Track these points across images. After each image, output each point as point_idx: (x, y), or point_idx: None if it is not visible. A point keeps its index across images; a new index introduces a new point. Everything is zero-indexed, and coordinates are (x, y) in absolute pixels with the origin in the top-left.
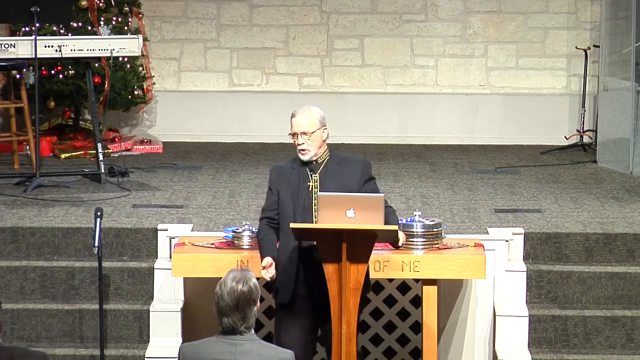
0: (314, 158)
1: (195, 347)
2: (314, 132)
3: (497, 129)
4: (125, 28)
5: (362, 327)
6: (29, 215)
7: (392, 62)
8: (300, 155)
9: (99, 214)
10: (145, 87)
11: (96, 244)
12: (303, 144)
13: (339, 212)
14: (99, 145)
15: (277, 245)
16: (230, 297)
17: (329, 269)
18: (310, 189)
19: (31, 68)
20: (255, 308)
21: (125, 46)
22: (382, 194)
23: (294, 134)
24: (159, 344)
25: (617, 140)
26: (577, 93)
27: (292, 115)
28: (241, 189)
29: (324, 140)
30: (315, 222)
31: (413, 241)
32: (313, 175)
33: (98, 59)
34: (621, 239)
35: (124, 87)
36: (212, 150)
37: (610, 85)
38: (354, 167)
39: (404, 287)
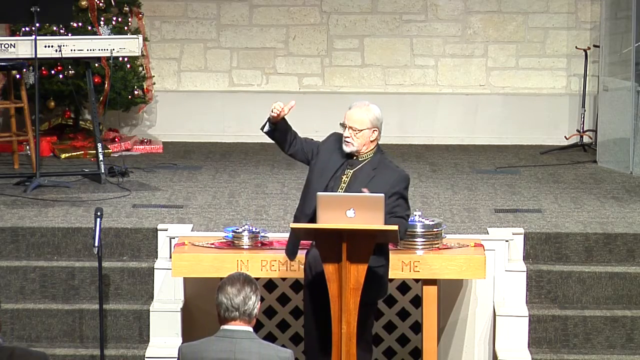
0: (356, 154)
1: (195, 347)
2: (361, 130)
3: (497, 129)
4: (125, 28)
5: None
6: (29, 215)
7: (392, 62)
8: (344, 145)
9: (99, 214)
10: (145, 87)
11: (96, 244)
12: (349, 137)
13: (339, 212)
14: (99, 145)
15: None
16: (232, 281)
17: (329, 269)
18: (341, 182)
19: (31, 68)
20: (257, 300)
21: (125, 46)
22: (382, 195)
23: (343, 124)
24: (159, 344)
25: (617, 140)
26: (577, 93)
27: (349, 107)
28: (241, 189)
29: (371, 141)
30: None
31: (413, 241)
32: (348, 171)
33: (98, 59)
34: (621, 239)
35: (124, 87)
36: (212, 150)
37: (610, 85)
38: (387, 177)
39: (404, 287)
